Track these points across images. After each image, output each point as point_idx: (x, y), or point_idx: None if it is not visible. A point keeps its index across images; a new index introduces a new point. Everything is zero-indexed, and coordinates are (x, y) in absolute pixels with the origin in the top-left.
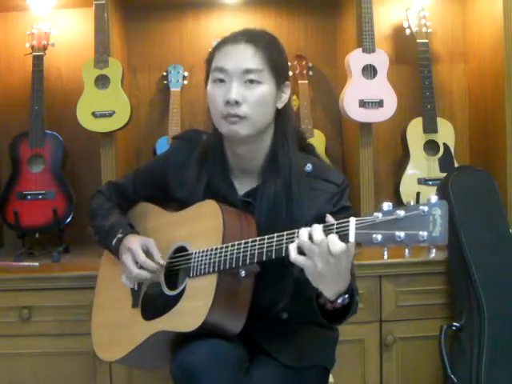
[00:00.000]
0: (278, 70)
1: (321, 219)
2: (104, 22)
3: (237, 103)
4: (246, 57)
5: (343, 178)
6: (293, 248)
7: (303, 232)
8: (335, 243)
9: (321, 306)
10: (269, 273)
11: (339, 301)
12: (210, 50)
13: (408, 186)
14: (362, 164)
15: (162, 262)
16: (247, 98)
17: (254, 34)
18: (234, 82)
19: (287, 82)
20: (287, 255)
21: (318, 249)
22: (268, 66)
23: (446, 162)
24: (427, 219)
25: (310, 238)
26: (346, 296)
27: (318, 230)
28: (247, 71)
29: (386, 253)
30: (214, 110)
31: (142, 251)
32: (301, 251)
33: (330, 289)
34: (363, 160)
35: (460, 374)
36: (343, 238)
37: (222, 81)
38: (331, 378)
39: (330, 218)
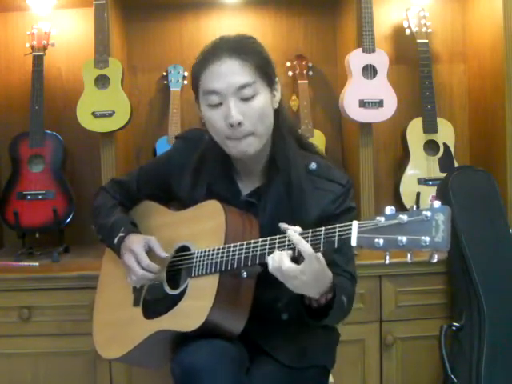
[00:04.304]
0: (267, 73)
1: (324, 219)
2: (104, 21)
3: (239, 124)
4: (234, 73)
5: (347, 178)
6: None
7: (277, 255)
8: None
9: (307, 306)
10: (269, 272)
11: (323, 298)
12: (193, 64)
13: (408, 186)
14: (362, 164)
15: (164, 254)
16: (248, 114)
17: (235, 44)
18: (230, 102)
19: (276, 79)
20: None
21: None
22: (258, 74)
23: (446, 162)
24: (430, 224)
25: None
26: (329, 294)
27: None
28: (241, 87)
29: (387, 257)
30: (217, 133)
31: (145, 253)
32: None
33: (313, 293)
34: (363, 160)
35: (460, 374)
36: (345, 240)
37: (217, 103)
38: (331, 378)
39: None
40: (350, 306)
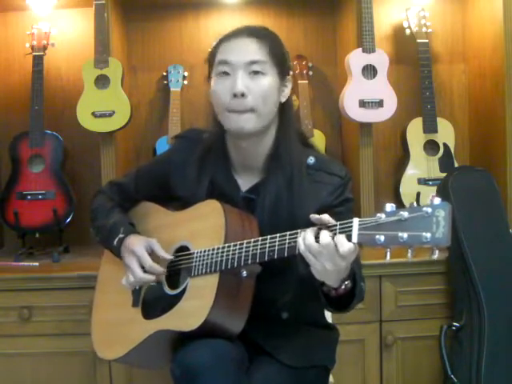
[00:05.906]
0: (281, 62)
1: (322, 212)
2: (104, 22)
3: (242, 95)
4: (249, 49)
5: (346, 170)
6: (302, 241)
7: (309, 233)
8: (343, 244)
9: (325, 294)
10: (271, 270)
11: (342, 286)
12: (210, 49)
13: (408, 186)
14: (362, 164)
15: (170, 257)
16: (252, 89)
17: (256, 29)
18: (238, 74)
19: (288, 77)
20: (289, 256)
21: (325, 251)
22: (271, 58)
23: (445, 162)
24: (430, 220)
25: (317, 239)
26: (348, 282)
27: (324, 232)
28: (252, 62)
29: (388, 254)
30: (219, 104)
31: (147, 255)
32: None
33: (334, 280)
34: (363, 160)
35: (460, 374)
36: (346, 238)
37: (226, 73)
38: (331, 378)
39: (325, 218)
40: (365, 289)
